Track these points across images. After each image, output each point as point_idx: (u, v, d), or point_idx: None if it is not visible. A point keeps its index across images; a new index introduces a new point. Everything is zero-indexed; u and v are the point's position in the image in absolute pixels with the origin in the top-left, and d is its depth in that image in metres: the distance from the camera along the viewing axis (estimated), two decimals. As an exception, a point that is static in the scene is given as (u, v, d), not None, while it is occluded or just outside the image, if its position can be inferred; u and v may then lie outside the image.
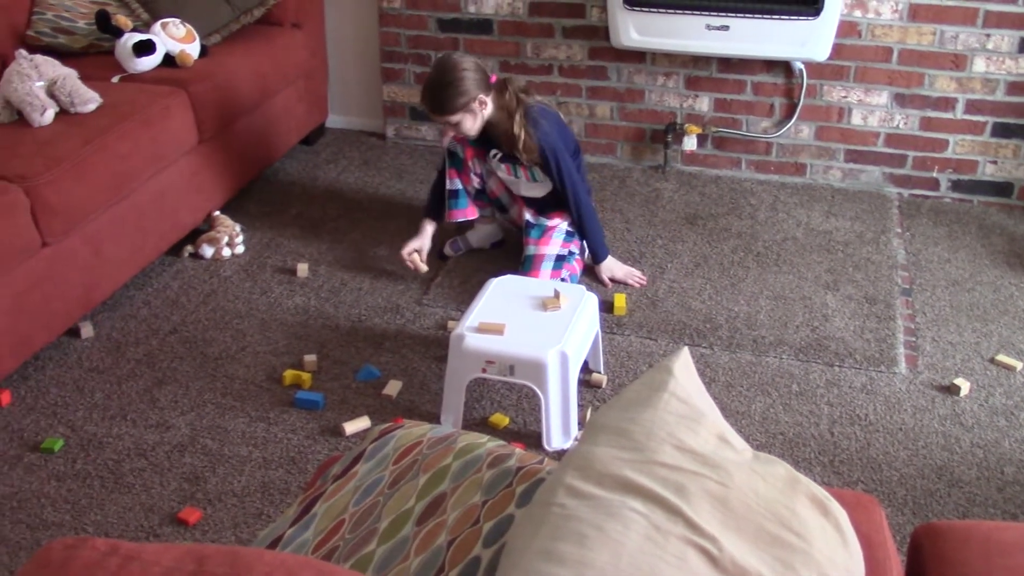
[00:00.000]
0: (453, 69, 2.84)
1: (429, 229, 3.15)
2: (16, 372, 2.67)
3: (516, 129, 2.92)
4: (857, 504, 1.46)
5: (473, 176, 3.10)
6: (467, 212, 3.14)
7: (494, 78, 2.95)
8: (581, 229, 3.05)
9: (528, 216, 3.12)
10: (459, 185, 3.11)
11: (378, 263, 3.22)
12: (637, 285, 3.07)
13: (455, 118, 2.88)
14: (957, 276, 3.14)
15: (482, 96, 2.88)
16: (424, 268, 3.08)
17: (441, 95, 2.85)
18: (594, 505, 1.06)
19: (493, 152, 3.04)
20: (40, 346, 2.64)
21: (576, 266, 3.06)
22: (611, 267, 3.08)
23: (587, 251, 3.10)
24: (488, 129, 2.99)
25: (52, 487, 2.30)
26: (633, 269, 3.11)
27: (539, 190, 3.08)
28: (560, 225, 3.07)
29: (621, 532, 1.02)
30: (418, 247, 3.11)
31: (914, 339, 2.83)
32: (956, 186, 3.64)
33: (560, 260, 3.00)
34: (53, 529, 2.18)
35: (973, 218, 3.53)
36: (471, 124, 2.91)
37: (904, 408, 2.55)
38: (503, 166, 3.04)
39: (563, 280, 2.95)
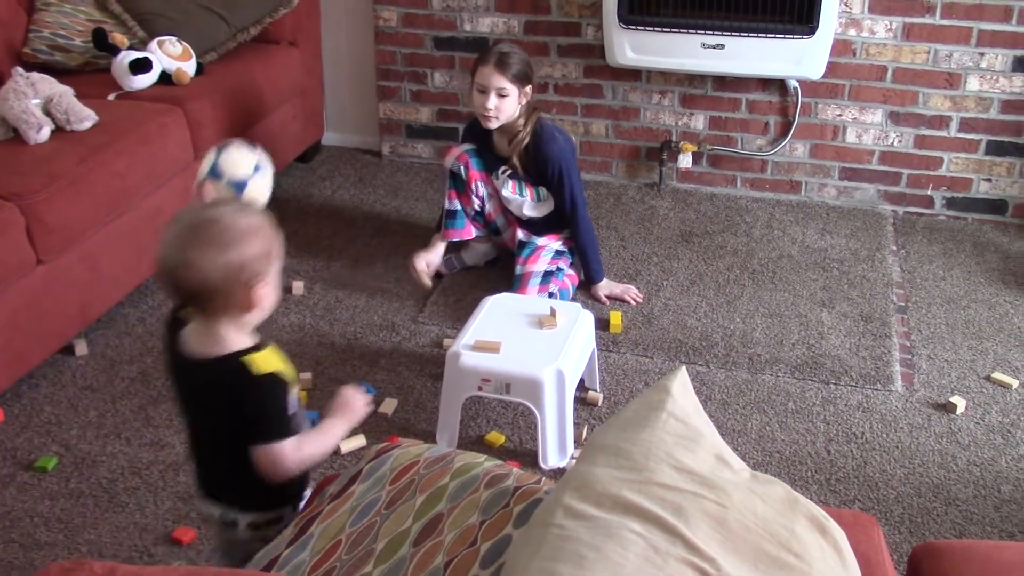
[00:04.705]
0: (523, 52, 2.99)
1: (440, 245, 3.17)
2: (9, 390, 2.66)
3: (522, 134, 2.98)
4: (855, 524, 1.45)
5: (474, 198, 3.11)
6: (463, 232, 3.15)
7: None
8: (580, 249, 3.06)
9: (520, 236, 3.12)
10: (458, 206, 3.12)
11: (374, 281, 3.22)
12: (633, 302, 3.07)
13: (509, 86, 2.91)
14: (952, 294, 3.15)
15: (530, 88, 2.97)
16: (428, 284, 3.09)
17: (512, 56, 2.92)
18: (593, 526, 1.06)
19: (503, 169, 3.06)
20: (34, 364, 2.63)
21: (567, 282, 3.07)
22: (607, 286, 3.09)
23: (582, 273, 3.12)
24: (503, 137, 3.03)
25: (45, 506, 2.28)
26: (629, 286, 3.12)
27: (542, 210, 3.09)
28: (549, 244, 3.09)
29: (620, 553, 1.02)
30: (429, 261, 3.13)
31: (910, 357, 2.83)
32: (950, 204, 3.66)
33: (548, 276, 3.02)
34: (46, 549, 2.17)
35: (968, 236, 3.54)
36: (512, 105, 2.94)
37: (900, 426, 2.55)
38: (511, 183, 3.05)
39: (551, 295, 2.96)
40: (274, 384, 1.56)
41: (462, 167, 3.07)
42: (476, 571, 1.22)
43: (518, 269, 3.05)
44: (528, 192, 3.06)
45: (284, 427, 1.57)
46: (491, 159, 3.09)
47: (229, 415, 1.57)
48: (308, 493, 1.77)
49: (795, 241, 3.46)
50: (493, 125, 2.97)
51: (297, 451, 1.57)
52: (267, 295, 1.57)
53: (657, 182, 3.85)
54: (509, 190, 3.06)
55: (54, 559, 2.13)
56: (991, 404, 2.63)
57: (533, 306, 2.59)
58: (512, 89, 2.91)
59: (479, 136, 3.10)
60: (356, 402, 1.71)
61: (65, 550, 2.17)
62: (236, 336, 1.57)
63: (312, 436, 1.63)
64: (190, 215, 1.53)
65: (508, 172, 3.05)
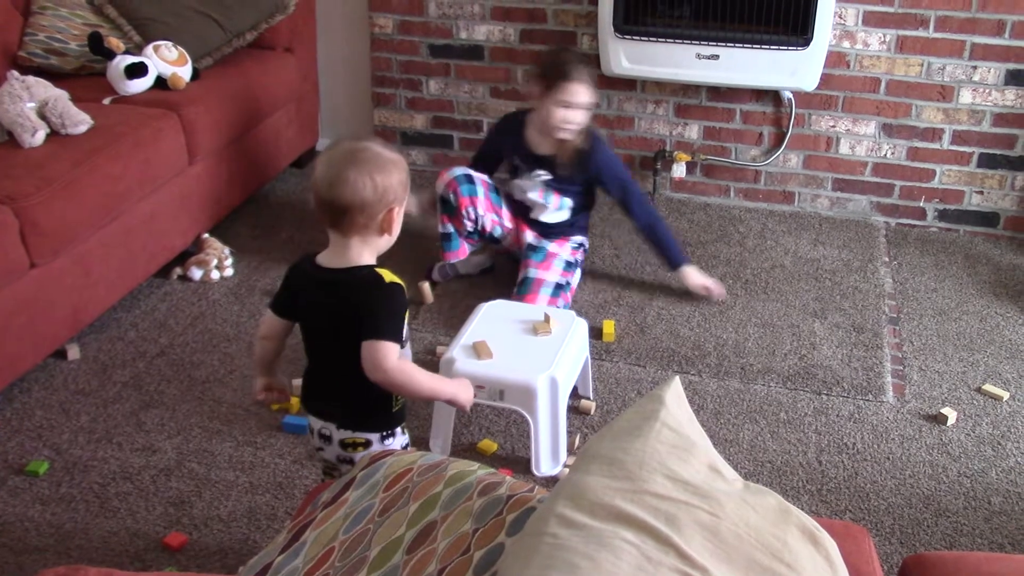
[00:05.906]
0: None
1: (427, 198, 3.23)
2: (1, 394, 2.65)
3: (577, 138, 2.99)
4: (847, 534, 1.46)
5: (466, 222, 3.12)
6: (459, 253, 3.22)
7: None
8: (656, 235, 3.09)
9: (531, 239, 3.13)
10: (451, 228, 3.15)
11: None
12: (718, 299, 3.09)
13: (592, 99, 2.93)
14: (944, 305, 3.16)
15: None
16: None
17: (589, 68, 2.95)
18: (586, 535, 1.06)
19: (537, 173, 3.06)
20: (26, 368, 2.63)
21: (569, 296, 3.08)
22: (699, 274, 3.11)
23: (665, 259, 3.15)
24: (545, 137, 3.03)
25: (36, 511, 2.28)
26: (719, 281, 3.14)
27: (556, 218, 3.11)
28: (560, 253, 3.09)
29: (613, 562, 1.02)
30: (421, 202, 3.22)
31: (901, 368, 2.84)
32: (943, 216, 3.67)
33: (559, 288, 3.02)
34: (37, 554, 2.16)
35: (959, 248, 3.56)
36: (585, 116, 2.95)
37: (891, 437, 2.56)
38: (539, 189, 3.06)
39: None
40: (401, 295, 1.76)
41: (451, 195, 3.08)
42: (469, 579, 1.22)
43: (530, 272, 3.03)
44: (553, 200, 3.07)
45: (397, 333, 1.74)
46: (525, 155, 3.07)
47: (352, 314, 1.73)
48: (399, 432, 1.91)
49: (788, 251, 3.47)
50: (571, 136, 2.97)
51: (401, 361, 1.74)
52: (397, 223, 1.78)
53: (651, 191, 3.86)
54: (536, 194, 3.07)
55: (45, 564, 2.13)
56: (982, 416, 2.64)
57: (527, 313, 2.59)
58: (593, 100, 2.95)
59: (513, 130, 3.10)
60: (466, 393, 1.93)
61: (56, 555, 2.16)
62: (368, 256, 1.78)
63: (420, 369, 1.81)
64: (344, 145, 1.75)
65: (542, 178, 3.06)
